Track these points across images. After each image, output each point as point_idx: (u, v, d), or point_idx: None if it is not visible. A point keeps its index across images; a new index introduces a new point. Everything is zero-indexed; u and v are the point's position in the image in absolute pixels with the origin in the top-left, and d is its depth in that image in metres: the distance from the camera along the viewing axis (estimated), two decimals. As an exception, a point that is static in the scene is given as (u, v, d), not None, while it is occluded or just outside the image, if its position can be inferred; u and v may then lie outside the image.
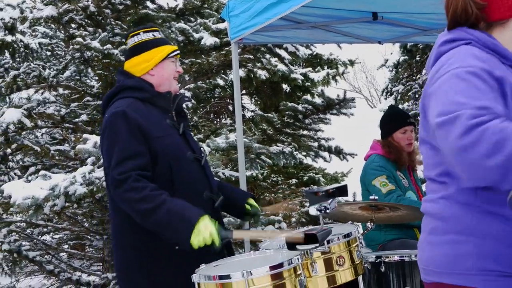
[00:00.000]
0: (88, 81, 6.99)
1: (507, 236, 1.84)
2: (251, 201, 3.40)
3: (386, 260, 3.54)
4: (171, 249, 2.84)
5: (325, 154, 7.85)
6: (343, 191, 3.00)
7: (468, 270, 1.88)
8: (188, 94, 6.96)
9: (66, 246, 7.05)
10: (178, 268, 2.86)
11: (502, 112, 1.73)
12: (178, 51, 3.23)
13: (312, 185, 7.64)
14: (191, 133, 3.36)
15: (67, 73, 6.36)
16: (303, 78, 7.53)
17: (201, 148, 3.30)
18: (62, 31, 6.54)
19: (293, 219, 7.35)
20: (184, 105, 3.39)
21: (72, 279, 6.14)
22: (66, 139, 7.04)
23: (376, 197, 3.89)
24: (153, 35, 3.16)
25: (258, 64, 7.20)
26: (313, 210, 2.84)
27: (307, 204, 7.28)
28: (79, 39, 5.82)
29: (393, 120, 4.50)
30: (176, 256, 2.86)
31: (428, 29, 5.28)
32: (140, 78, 3.13)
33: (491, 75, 1.81)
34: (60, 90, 7.20)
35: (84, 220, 6.71)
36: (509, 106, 1.82)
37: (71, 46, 6.11)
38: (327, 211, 2.78)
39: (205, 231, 2.73)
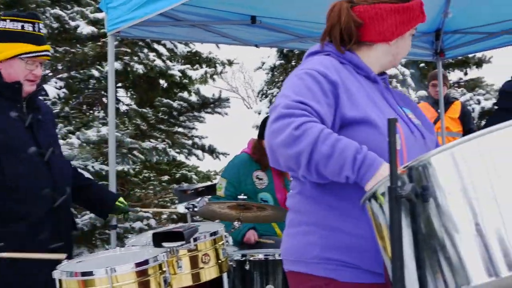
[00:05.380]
0: None
1: (349, 229, 1.98)
2: (121, 199, 3.41)
3: (251, 258, 3.64)
4: None
5: (199, 152, 7.89)
6: (212, 190, 3.06)
7: (314, 259, 2.01)
8: (61, 83, 6.72)
9: None
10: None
11: (320, 111, 1.91)
12: (41, 54, 3.05)
13: (184, 182, 7.65)
14: (56, 125, 3.27)
15: None
16: (181, 74, 7.52)
17: (51, 142, 3.16)
18: None
19: (164, 216, 7.32)
20: (41, 97, 3.27)
21: None
22: None
23: (245, 197, 3.96)
24: (21, 26, 2.99)
25: (135, 58, 7.09)
26: (181, 208, 2.87)
27: (177, 201, 7.27)
28: None
29: None
30: None
31: (303, 36, 5.47)
32: None
33: (326, 78, 1.99)
34: None
35: None
36: (341, 106, 1.99)
37: None
38: (195, 209, 2.82)
39: None
